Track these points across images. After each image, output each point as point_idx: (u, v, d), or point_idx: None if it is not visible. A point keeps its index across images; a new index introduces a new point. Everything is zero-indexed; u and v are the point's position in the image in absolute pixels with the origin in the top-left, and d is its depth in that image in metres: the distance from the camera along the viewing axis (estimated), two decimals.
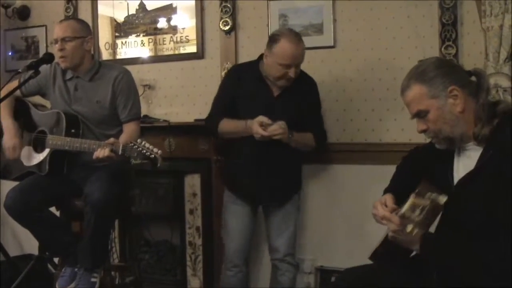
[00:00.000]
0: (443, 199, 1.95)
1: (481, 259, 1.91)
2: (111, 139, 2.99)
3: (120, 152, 2.88)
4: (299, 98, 3.34)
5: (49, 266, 4.08)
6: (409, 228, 1.93)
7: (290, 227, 3.45)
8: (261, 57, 3.39)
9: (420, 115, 2.11)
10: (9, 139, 3.30)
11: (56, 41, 3.26)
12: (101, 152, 2.92)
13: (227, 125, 3.34)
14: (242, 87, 3.37)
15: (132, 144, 2.84)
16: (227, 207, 3.49)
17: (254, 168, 3.31)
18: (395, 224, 2.00)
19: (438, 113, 2.07)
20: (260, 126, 3.13)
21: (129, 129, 3.28)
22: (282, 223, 3.43)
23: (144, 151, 2.81)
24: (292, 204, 3.46)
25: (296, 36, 3.25)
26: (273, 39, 3.25)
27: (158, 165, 2.83)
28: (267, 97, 3.32)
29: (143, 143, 2.83)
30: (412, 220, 1.94)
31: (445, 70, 2.10)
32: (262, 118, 3.15)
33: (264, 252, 3.84)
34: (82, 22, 3.43)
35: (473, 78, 2.13)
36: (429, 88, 2.07)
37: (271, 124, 3.14)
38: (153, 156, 2.80)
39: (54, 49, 3.29)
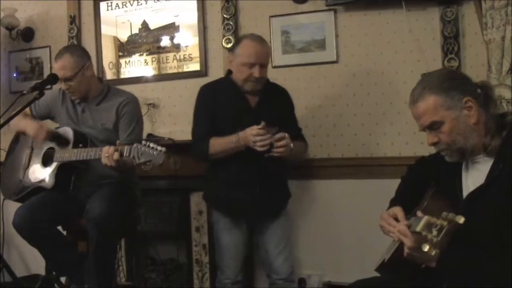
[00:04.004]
0: (460, 219, 1.82)
1: (493, 274, 1.88)
2: (117, 142, 3.01)
3: (125, 153, 2.89)
4: (276, 107, 3.28)
5: (56, 286, 4.07)
6: (426, 248, 1.81)
7: (288, 243, 3.39)
8: (230, 72, 3.35)
9: (433, 127, 2.06)
10: (31, 125, 3.34)
11: (60, 80, 3.29)
12: (109, 150, 2.94)
13: (217, 144, 3.16)
14: (219, 102, 3.26)
15: (136, 145, 2.86)
16: (220, 229, 3.35)
17: (244, 183, 3.20)
18: (411, 241, 1.94)
19: (453, 124, 2.03)
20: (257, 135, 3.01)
21: None
22: (281, 238, 3.34)
23: (147, 149, 2.82)
24: (284, 218, 3.38)
25: (259, 37, 3.24)
26: (236, 43, 3.29)
27: (161, 161, 2.82)
28: (244, 108, 3.23)
29: (147, 143, 2.86)
30: (430, 240, 1.84)
31: (458, 82, 2.07)
32: (254, 129, 3.03)
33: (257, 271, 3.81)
34: (76, 51, 3.36)
35: (479, 91, 2.10)
36: (445, 99, 2.03)
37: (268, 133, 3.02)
38: (156, 153, 2.80)
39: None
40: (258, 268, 3.93)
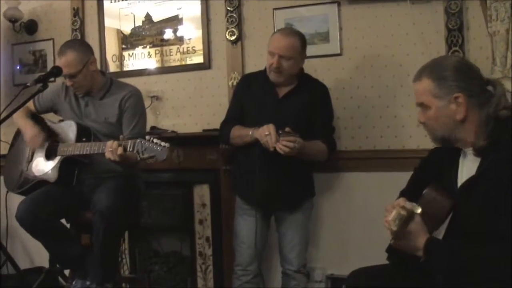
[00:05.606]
0: (417, 209, 1.96)
1: (484, 264, 1.90)
2: (120, 136, 3.02)
3: (129, 148, 2.89)
4: (305, 98, 3.30)
5: (60, 279, 4.09)
6: (391, 238, 1.95)
7: (303, 238, 3.40)
8: None
9: (422, 107, 2.14)
10: (29, 130, 3.34)
11: (64, 76, 3.29)
12: (112, 144, 2.94)
13: (236, 133, 3.33)
14: (250, 92, 3.42)
15: (140, 140, 2.86)
16: (238, 215, 3.45)
17: (266, 174, 3.24)
18: (391, 232, 2.01)
19: (437, 113, 2.09)
20: (267, 135, 3.05)
21: None
22: (295, 234, 3.36)
23: (151, 145, 2.83)
24: (304, 213, 3.40)
25: (290, 30, 3.36)
26: (272, 35, 3.38)
27: (165, 157, 2.83)
28: (270, 98, 3.32)
29: (151, 138, 2.86)
30: (391, 230, 1.97)
31: (460, 75, 2.07)
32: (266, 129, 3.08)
33: (275, 261, 3.82)
34: (79, 47, 3.36)
35: (490, 88, 2.10)
36: (436, 87, 2.07)
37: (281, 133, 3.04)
38: (160, 149, 2.81)
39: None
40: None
